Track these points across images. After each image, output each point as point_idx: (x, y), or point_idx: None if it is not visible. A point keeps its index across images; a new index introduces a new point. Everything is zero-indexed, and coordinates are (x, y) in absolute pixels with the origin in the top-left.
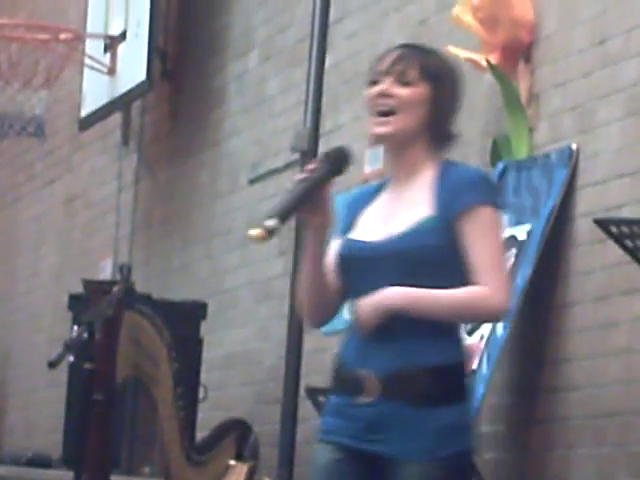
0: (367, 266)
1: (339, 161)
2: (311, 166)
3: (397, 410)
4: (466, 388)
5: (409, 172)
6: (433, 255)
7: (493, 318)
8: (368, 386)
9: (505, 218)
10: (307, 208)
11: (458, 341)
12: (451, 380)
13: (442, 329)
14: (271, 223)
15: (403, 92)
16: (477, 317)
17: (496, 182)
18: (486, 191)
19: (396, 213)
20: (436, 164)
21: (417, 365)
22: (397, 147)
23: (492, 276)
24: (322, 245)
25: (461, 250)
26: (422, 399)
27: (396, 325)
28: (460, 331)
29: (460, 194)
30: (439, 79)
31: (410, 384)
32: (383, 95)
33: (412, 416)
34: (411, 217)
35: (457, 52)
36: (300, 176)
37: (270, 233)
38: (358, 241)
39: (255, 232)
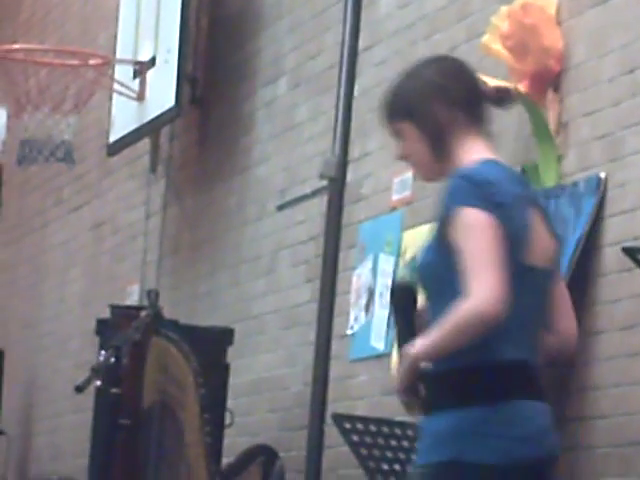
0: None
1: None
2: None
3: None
4: (470, 394)
5: None
6: (434, 272)
7: (480, 323)
8: None
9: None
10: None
11: (471, 345)
12: (447, 386)
13: None
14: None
15: (403, 148)
16: (467, 331)
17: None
18: (456, 194)
19: None
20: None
21: (425, 373)
22: (444, 179)
23: (469, 280)
24: None
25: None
26: (425, 406)
27: None
28: (484, 335)
29: (441, 201)
30: (406, 112)
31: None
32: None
33: (422, 424)
34: None
35: (486, 80)
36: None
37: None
38: None
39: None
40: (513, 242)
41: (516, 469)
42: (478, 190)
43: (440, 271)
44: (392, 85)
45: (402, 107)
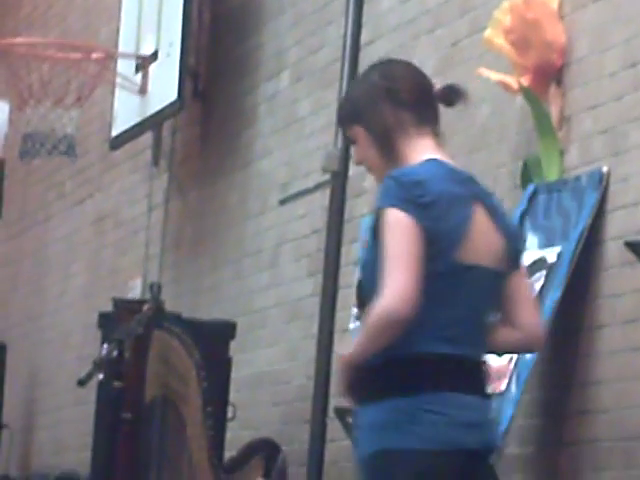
0: None
1: None
2: None
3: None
4: (396, 386)
5: None
6: (372, 270)
7: (389, 323)
8: None
9: (532, 239)
10: None
11: (397, 340)
12: (375, 379)
13: None
14: None
15: (357, 153)
16: (380, 331)
17: (406, 181)
18: (384, 194)
19: None
20: None
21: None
22: None
23: (382, 282)
24: None
25: None
26: (357, 399)
27: None
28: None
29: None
30: (355, 117)
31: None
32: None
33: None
34: None
35: (489, 74)
36: None
37: None
38: None
39: None
40: (445, 241)
41: (442, 454)
42: (402, 191)
43: (377, 269)
44: (344, 92)
45: (351, 112)
